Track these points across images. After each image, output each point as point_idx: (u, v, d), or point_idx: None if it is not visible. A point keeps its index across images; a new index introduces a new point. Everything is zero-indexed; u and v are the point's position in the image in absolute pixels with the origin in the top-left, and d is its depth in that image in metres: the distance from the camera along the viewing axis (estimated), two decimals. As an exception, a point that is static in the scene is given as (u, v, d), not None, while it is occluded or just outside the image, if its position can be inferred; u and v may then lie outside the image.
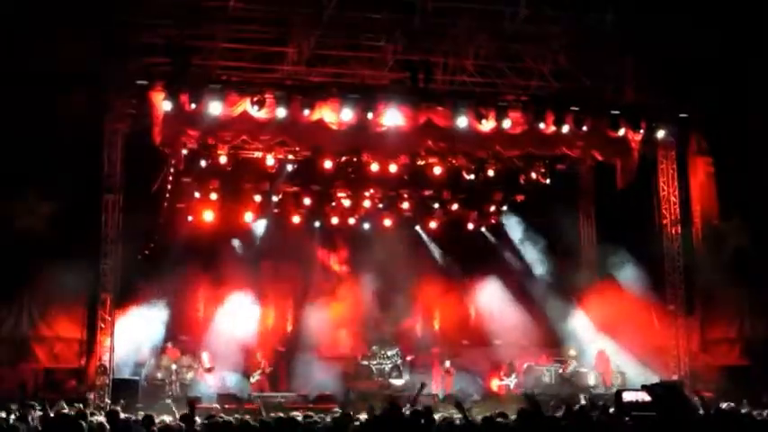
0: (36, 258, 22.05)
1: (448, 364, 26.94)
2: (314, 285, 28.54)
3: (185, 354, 25.68)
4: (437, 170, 26.46)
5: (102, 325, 22.66)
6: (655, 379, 22.76)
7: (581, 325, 27.12)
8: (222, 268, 27.33)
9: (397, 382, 26.17)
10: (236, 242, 28.55)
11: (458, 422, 12.91)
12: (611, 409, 15.84)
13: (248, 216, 28.14)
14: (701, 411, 12.88)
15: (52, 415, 13.98)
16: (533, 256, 29.20)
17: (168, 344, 25.71)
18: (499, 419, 12.88)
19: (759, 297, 24.17)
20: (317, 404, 22.71)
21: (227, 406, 21.79)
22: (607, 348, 26.30)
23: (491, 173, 26.43)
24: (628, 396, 17.80)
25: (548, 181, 26.83)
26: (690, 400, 14.36)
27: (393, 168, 25.97)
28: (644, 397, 15.79)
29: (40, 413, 14.50)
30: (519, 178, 27.15)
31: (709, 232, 25.06)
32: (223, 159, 24.62)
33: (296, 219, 28.95)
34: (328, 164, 25.24)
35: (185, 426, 12.60)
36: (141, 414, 15.11)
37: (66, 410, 14.67)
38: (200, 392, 24.24)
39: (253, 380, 25.74)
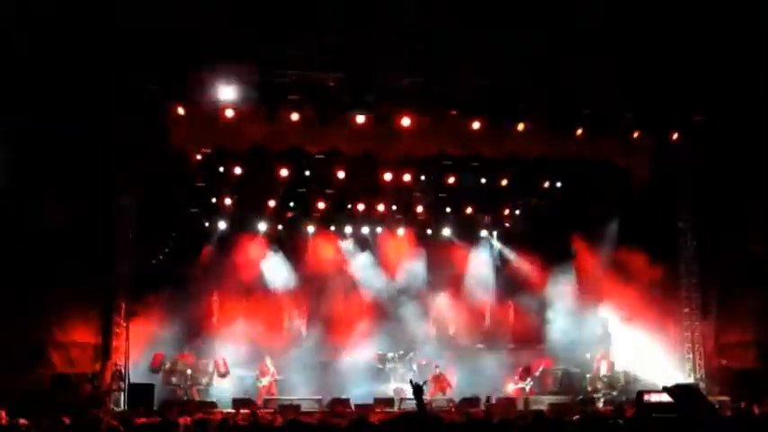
0: (51, 263, 22.12)
1: (438, 370, 26.85)
2: (328, 290, 28.46)
3: (200, 358, 25.73)
4: (451, 174, 26.50)
5: (117, 330, 22.75)
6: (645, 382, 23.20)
7: (599, 327, 27.09)
8: (236, 272, 27.34)
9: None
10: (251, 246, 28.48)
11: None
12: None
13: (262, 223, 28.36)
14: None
15: (66, 419, 14.04)
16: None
17: (183, 349, 25.74)
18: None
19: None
20: (332, 408, 22.74)
21: (241, 410, 21.82)
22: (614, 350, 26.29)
23: (505, 177, 26.50)
24: (649, 397, 17.73)
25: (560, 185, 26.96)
26: (710, 402, 14.31)
27: (406, 173, 26.08)
28: (666, 398, 15.71)
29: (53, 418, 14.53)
30: (534, 182, 27.17)
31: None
32: (237, 167, 24.85)
33: (310, 228, 29.12)
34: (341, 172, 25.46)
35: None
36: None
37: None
38: (214, 397, 24.33)
39: (260, 384, 25.70)
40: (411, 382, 10.52)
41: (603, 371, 26.02)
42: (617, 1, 21.53)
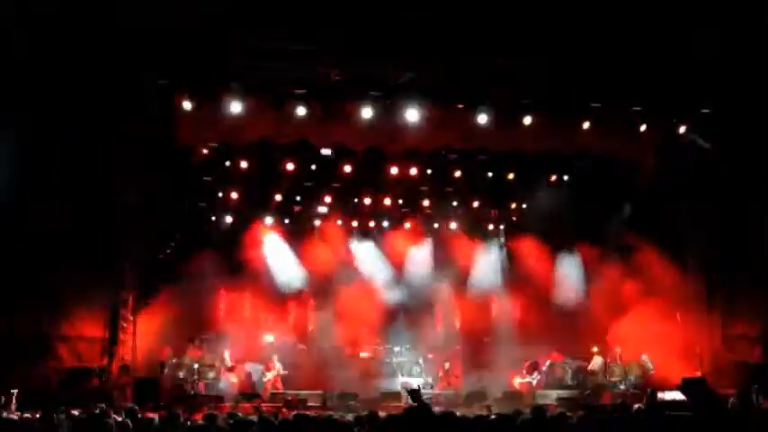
0: (58, 258, 22.20)
1: (447, 365, 26.88)
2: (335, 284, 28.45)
3: (207, 353, 25.76)
4: (458, 168, 26.54)
5: (125, 324, 22.80)
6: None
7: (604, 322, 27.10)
8: (243, 266, 27.37)
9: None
10: (257, 240, 28.50)
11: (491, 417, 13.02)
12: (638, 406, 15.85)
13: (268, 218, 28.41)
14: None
15: (75, 414, 14.08)
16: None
17: (190, 343, 25.77)
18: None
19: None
20: (338, 402, 22.74)
21: (247, 404, 21.87)
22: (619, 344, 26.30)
23: (512, 170, 26.54)
24: (662, 395, 17.75)
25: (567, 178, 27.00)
26: (719, 396, 14.32)
27: (413, 167, 26.11)
28: (678, 396, 15.74)
29: (62, 413, 14.56)
30: (541, 176, 27.17)
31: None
32: (244, 161, 24.96)
33: (317, 222, 29.17)
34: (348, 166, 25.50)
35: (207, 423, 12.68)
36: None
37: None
38: (221, 391, 24.37)
39: (266, 379, 25.73)
40: (406, 390, 10.62)
41: (599, 364, 26.05)
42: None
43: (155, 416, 14.76)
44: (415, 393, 10.07)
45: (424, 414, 9.77)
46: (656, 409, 15.69)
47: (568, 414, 13.46)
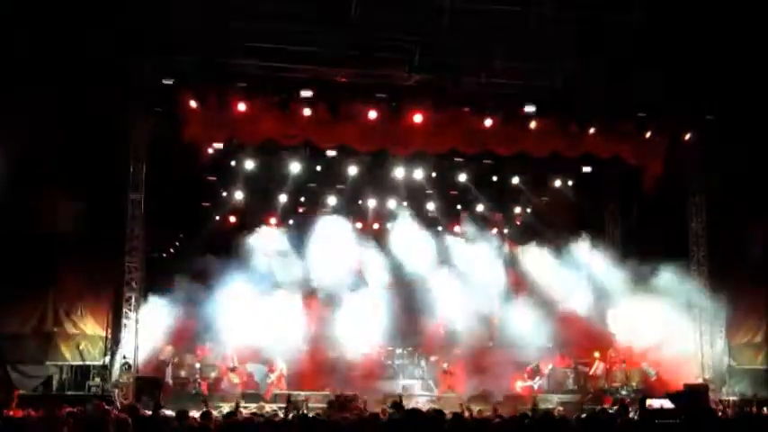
0: (62, 256, 22.21)
1: (445, 365, 26.86)
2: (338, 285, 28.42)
3: (209, 352, 25.75)
4: (463, 171, 26.54)
5: (127, 323, 22.78)
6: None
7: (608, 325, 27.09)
8: (246, 266, 27.36)
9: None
10: (260, 241, 28.50)
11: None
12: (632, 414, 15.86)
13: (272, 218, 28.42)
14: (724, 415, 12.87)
15: (75, 411, 14.09)
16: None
17: (192, 342, 25.76)
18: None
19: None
20: (340, 404, 22.70)
21: (250, 405, 21.85)
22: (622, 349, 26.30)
23: (517, 174, 26.54)
24: (652, 403, 17.72)
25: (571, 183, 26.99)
26: (711, 406, 14.36)
27: (418, 170, 26.12)
28: (668, 404, 15.72)
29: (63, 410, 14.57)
30: (546, 180, 27.16)
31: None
32: (249, 161, 24.97)
33: (321, 223, 29.13)
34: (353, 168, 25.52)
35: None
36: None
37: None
38: (224, 391, 24.36)
39: (269, 379, 25.69)
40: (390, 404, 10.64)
41: (601, 369, 26.02)
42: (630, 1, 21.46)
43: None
44: (397, 405, 10.06)
45: (426, 417, 9.77)
46: (646, 417, 15.73)
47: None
